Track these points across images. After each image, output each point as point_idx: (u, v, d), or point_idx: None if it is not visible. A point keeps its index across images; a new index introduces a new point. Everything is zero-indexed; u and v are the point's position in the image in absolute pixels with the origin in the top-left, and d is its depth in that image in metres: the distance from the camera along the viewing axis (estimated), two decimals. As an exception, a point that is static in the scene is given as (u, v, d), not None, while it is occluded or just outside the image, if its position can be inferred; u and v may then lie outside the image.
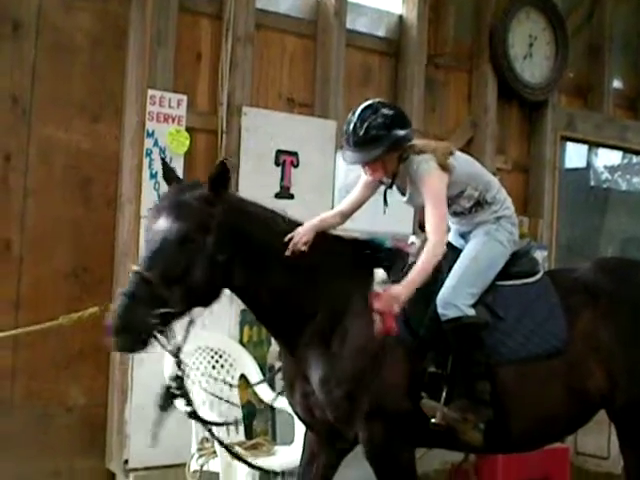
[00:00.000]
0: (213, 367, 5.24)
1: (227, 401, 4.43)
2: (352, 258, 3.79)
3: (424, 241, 3.78)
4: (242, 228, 3.51)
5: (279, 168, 5.86)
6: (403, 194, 3.87)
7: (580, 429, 6.61)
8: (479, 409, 3.57)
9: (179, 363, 3.51)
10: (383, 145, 3.62)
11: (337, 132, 6.11)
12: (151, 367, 5.10)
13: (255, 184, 5.62)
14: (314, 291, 3.65)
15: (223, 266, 3.43)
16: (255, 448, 4.97)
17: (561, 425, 3.95)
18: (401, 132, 3.67)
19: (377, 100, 3.79)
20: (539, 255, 7.07)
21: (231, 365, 5.31)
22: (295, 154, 5.93)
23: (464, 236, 3.95)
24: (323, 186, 6.04)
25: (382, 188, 3.92)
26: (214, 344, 5.32)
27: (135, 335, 3.26)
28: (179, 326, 3.47)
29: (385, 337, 3.45)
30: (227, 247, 3.44)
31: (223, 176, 3.44)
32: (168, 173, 3.60)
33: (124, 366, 5.22)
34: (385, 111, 3.68)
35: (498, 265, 3.79)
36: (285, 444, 5.07)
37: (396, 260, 3.79)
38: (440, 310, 3.61)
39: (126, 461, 5.22)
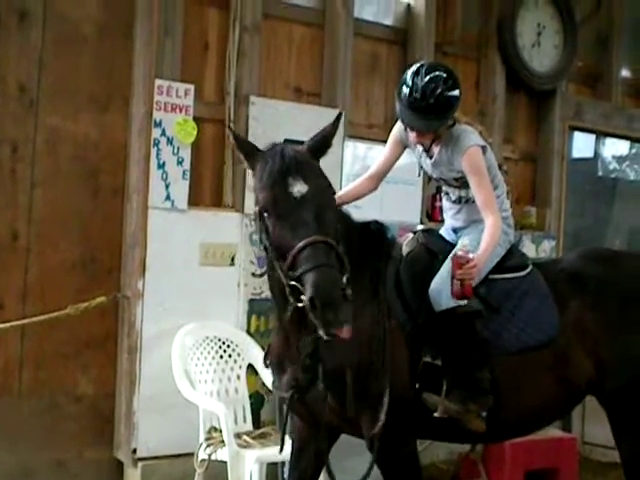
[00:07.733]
0: (221, 357, 5.25)
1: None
2: (359, 244, 3.68)
3: (420, 231, 3.83)
4: None
5: (287, 157, 5.82)
6: (430, 157, 3.84)
7: (587, 419, 6.70)
8: (480, 398, 3.57)
9: None
10: (447, 116, 3.64)
11: (344, 121, 6.09)
12: (159, 357, 5.13)
13: (262, 174, 5.59)
14: None
15: None
16: (263, 437, 4.98)
17: (552, 412, 4.01)
18: (458, 95, 3.65)
19: (430, 62, 3.73)
20: (547, 245, 7.09)
21: (239, 355, 5.32)
22: (302, 143, 5.88)
23: (456, 231, 3.95)
24: (331, 175, 5.87)
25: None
26: (222, 334, 5.33)
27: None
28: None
29: (388, 323, 3.51)
30: None
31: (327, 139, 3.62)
32: (244, 143, 3.54)
33: (132, 356, 5.23)
34: (444, 74, 3.63)
35: (491, 262, 3.77)
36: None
37: (393, 252, 3.77)
38: (433, 301, 3.60)
39: (134, 450, 5.24)
